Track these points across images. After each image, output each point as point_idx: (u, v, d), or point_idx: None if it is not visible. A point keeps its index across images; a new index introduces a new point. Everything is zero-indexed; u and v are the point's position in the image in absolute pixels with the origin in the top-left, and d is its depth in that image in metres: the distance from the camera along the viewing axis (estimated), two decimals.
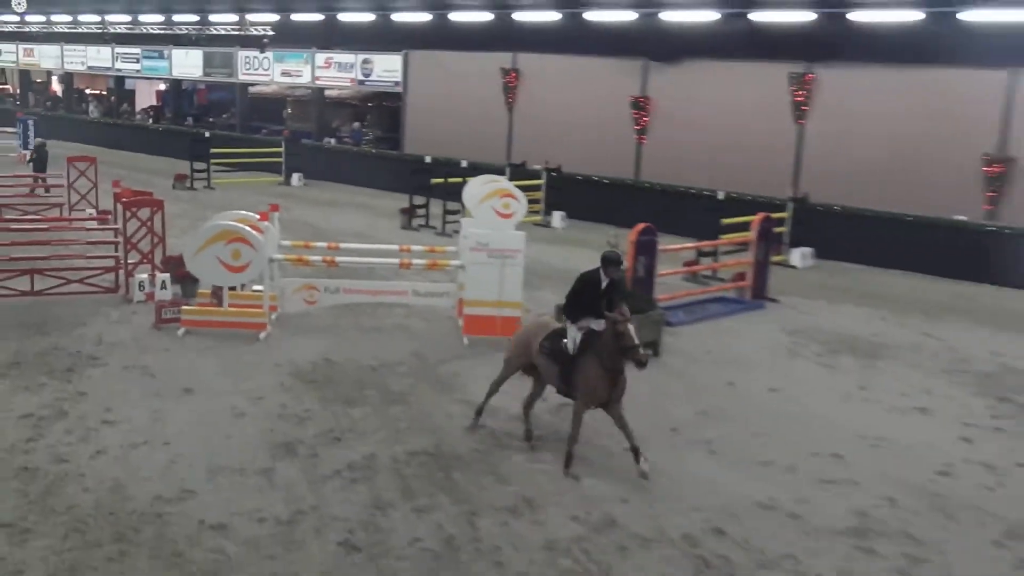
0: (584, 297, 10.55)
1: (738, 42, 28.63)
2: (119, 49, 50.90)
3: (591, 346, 10.33)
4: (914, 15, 25.34)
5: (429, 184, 26.67)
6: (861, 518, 9.59)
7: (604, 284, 10.51)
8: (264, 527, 8.91)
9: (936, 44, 25.43)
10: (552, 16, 33.10)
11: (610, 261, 10.57)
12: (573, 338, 10.51)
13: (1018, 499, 10.27)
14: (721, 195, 24.77)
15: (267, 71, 43.92)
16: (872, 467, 10.85)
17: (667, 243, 18.64)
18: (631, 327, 10.04)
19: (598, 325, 10.34)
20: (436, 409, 12.07)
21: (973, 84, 25.43)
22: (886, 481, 10.48)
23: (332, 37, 41.40)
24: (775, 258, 21.13)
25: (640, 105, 31.80)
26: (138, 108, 54.03)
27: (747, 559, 8.69)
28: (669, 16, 30.03)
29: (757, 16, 28.20)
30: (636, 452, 10.21)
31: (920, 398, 13.54)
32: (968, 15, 24.52)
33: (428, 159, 30.67)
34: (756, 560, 8.67)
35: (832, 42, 27.16)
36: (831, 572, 8.53)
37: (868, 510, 9.75)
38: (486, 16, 34.99)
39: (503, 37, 34.68)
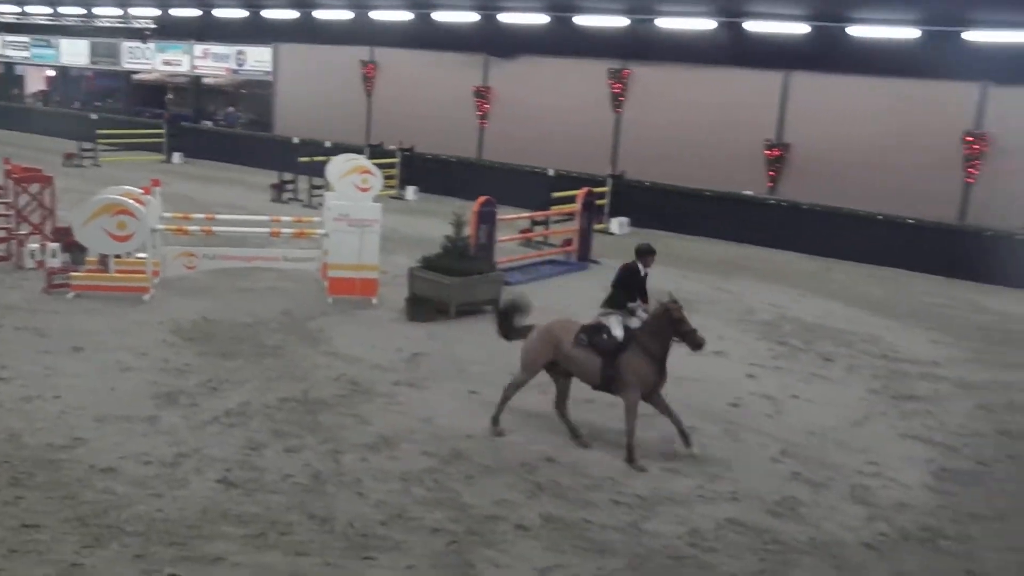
0: (628, 287, 9.95)
1: (566, 41, 28.79)
2: (9, 37, 47.84)
3: (635, 336, 9.52)
4: (708, 23, 25.91)
5: (296, 162, 26.03)
6: (667, 444, 9.82)
7: (643, 274, 10.04)
8: (150, 468, 8.58)
9: (725, 48, 26.12)
10: (405, 15, 32.61)
11: (647, 252, 10.09)
12: (614, 326, 9.65)
13: (792, 424, 10.72)
14: (551, 172, 24.94)
15: (149, 60, 42.00)
16: (679, 401, 11.00)
17: (505, 213, 18.66)
18: (685, 312, 9.45)
19: (640, 314, 9.74)
20: (304, 360, 11.82)
21: (756, 82, 26.22)
22: (690, 412, 10.72)
23: (209, 30, 39.90)
24: (597, 226, 21.39)
25: (482, 94, 31.68)
26: (28, 92, 50.94)
27: (575, 482, 8.81)
28: (506, 17, 29.93)
29: (580, 20, 28.37)
30: (686, 436, 9.56)
31: (716, 343, 13.87)
32: (751, 25, 25.22)
33: (296, 140, 29.87)
34: (583, 483, 8.80)
35: (644, 43, 27.58)
36: (645, 490, 8.73)
37: (674, 437, 9.99)
38: (347, 14, 34.24)
39: (362, 33, 34.01)
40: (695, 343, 9.39)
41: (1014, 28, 21.90)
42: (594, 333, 9.66)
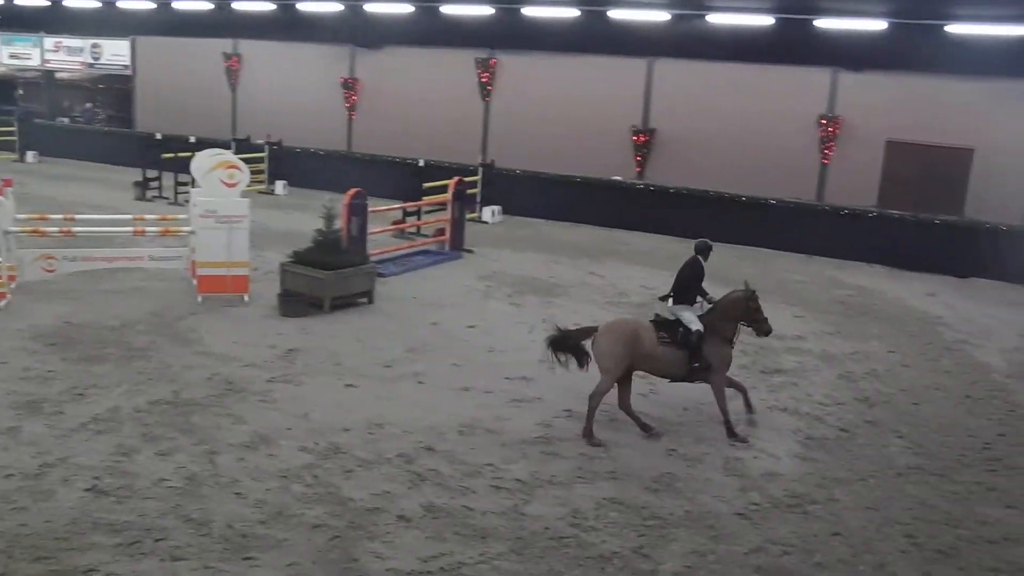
0: (698, 282, 10.42)
1: (432, 31, 28.67)
2: None
3: (711, 325, 10.13)
4: (572, 12, 26.21)
5: (160, 158, 25.17)
6: (546, 428, 9.95)
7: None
8: (11, 482, 8.18)
9: (590, 36, 26.47)
10: (269, 6, 31.88)
11: (706, 248, 10.60)
12: (692, 320, 10.13)
13: (665, 403, 10.96)
14: (422, 162, 24.85)
15: None
16: (554, 386, 11.25)
17: (377, 205, 18.52)
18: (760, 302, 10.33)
19: (700, 308, 10.28)
20: (175, 361, 11.48)
21: (622, 69, 26.71)
22: (565, 396, 10.90)
23: (60, 22, 38.11)
24: (469, 215, 21.44)
25: (349, 86, 31.31)
26: None
27: (454, 470, 8.82)
28: (371, 7, 29.62)
29: (447, 9, 28.30)
30: (750, 404, 10.55)
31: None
32: (615, 13, 25.63)
33: (159, 136, 28.90)
34: (461, 471, 8.83)
35: (511, 32, 27.70)
36: (525, 474, 8.81)
37: (552, 421, 10.13)
38: (208, 5, 33.22)
39: (225, 25, 33.07)
40: (764, 331, 10.35)
41: (862, 16, 22.89)
42: (673, 330, 10.15)
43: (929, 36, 22.26)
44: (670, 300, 10.57)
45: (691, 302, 10.39)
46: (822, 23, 23.39)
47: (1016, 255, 19.58)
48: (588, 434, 9.74)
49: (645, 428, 10.00)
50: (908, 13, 22.32)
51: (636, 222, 23.27)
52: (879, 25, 22.70)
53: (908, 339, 14.68)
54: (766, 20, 24.03)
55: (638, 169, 26.56)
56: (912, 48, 22.68)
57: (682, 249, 21.35)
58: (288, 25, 31.57)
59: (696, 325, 10.12)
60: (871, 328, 15.21)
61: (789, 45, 24.02)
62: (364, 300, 14.67)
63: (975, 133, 22.90)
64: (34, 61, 38.88)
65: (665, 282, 17.51)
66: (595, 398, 9.85)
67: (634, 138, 26.59)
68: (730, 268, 19.51)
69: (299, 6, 31.15)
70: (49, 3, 37.45)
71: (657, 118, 26.46)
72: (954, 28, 22.02)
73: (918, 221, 20.77)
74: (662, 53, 25.99)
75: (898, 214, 21.19)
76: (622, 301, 15.93)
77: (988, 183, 22.78)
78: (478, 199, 23.67)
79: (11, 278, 14.10)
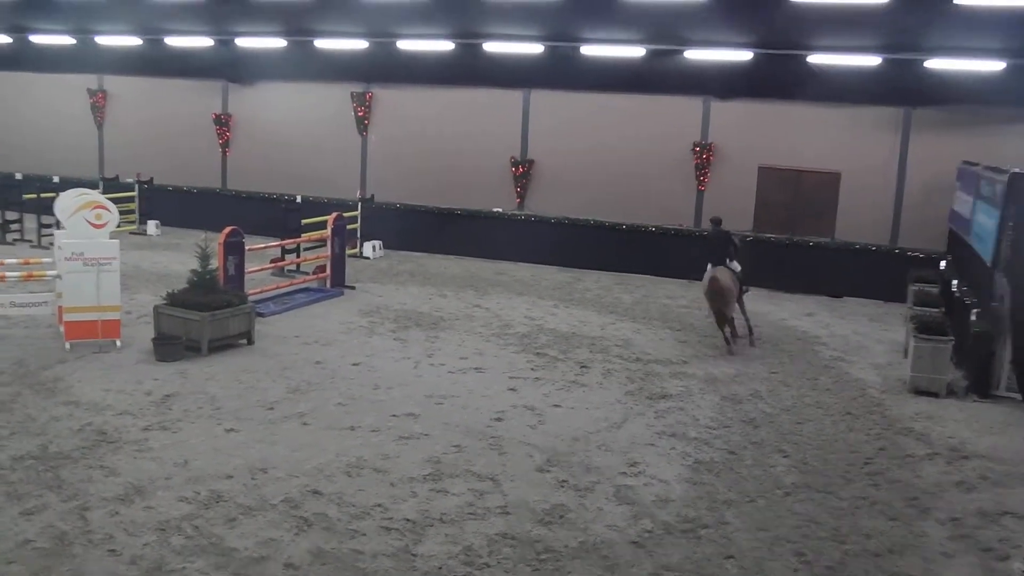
0: (729, 245, 15.95)
1: (307, 65, 28.30)
2: None
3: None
4: (446, 45, 26.33)
5: (21, 199, 24.11)
6: (435, 465, 9.81)
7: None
8: None
9: (466, 69, 26.61)
10: (135, 41, 30.96)
11: (719, 220, 16.26)
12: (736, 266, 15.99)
13: (555, 432, 10.97)
14: (299, 199, 24.49)
15: None
16: (442, 421, 11.14)
17: (254, 243, 18.13)
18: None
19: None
20: (41, 413, 10.89)
21: (498, 101, 26.92)
22: (453, 431, 10.80)
23: None
24: (350, 251, 21.21)
25: (223, 122, 30.63)
26: None
27: (342, 513, 8.59)
28: (243, 42, 29.11)
29: (320, 43, 28.03)
30: (751, 332, 16.13)
31: (475, 359, 14.12)
32: (489, 46, 25.86)
33: (19, 176, 27.71)
34: (350, 513, 8.60)
35: (386, 66, 27.59)
36: (414, 513, 8.64)
37: (440, 457, 10.00)
38: (68, 40, 32.06)
39: (88, 60, 31.90)
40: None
41: (729, 47, 23.66)
42: (738, 280, 15.73)
43: (791, 66, 23.16)
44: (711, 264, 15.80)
45: (730, 258, 15.89)
46: (691, 54, 24.08)
47: (884, 274, 20.45)
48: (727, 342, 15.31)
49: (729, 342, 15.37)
50: (771, 44, 23.18)
51: (519, 253, 23.42)
52: (745, 56, 23.51)
53: (788, 359, 15.10)
54: (638, 51, 24.61)
55: (518, 200, 26.75)
56: (777, 77, 23.54)
57: (566, 278, 21.85)
58: (156, 60, 30.66)
59: (739, 267, 15.98)
60: (753, 350, 15.60)
61: (661, 75, 24.64)
62: (243, 341, 14.27)
63: (841, 158, 23.88)
64: None
65: (549, 312, 17.84)
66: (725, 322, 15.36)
67: (513, 169, 26.78)
68: (609, 296, 19.80)
69: (168, 40, 30.37)
70: None
71: (535, 149, 26.74)
72: (815, 58, 22.97)
73: (792, 244, 21.49)
74: (537, 84, 26.31)
75: (773, 237, 21.88)
76: (507, 332, 15.94)
77: (855, 205, 23.76)
78: (358, 234, 23.43)
79: None
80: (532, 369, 13.72)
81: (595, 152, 25.93)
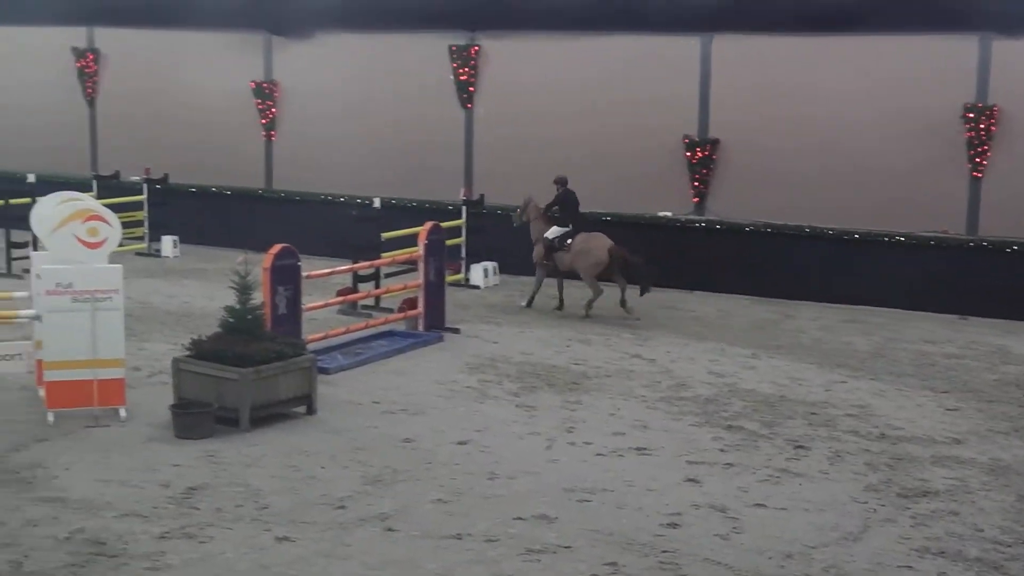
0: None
1: (384, 8, 28.84)
2: None
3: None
4: None
5: None
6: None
7: None
8: None
9: (613, 6, 26.63)
10: None
11: (565, 180, 22.20)
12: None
13: (757, 547, 10.79)
14: (377, 202, 24.85)
15: None
16: (588, 527, 11.08)
17: (313, 267, 18.49)
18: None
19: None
20: (11, 515, 11.24)
21: (665, 54, 26.76)
22: (606, 542, 10.73)
23: None
24: (451, 277, 21.44)
25: (265, 92, 31.43)
26: None
27: None
28: None
29: None
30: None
31: (636, 435, 14.05)
32: None
33: None
34: None
35: (499, 5, 27.87)
36: None
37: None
38: None
39: (73, 7, 33.20)
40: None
41: None
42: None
43: None
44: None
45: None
46: None
47: None
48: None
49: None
50: None
51: (695, 277, 23.27)
52: None
53: None
54: None
55: (695, 199, 26.62)
56: None
57: (768, 314, 21.57)
58: (169, 4, 31.73)
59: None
60: None
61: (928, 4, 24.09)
62: (301, 409, 14.53)
63: None
64: None
65: (744, 365, 17.65)
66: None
67: (687, 154, 26.67)
68: (836, 338, 19.49)
69: None
70: None
71: (720, 124, 26.51)
72: None
73: None
74: (724, 25, 26.11)
75: None
76: (681, 395, 15.85)
77: None
78: (463, 253, 23.65)
79: None
80: (721, 451, 13.58)
81: (809, 126, 25.58)
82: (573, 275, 21.73)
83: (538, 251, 21.72)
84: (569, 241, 21.25)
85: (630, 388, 16.21)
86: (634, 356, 18.07)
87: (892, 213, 23.96)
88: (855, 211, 24.09)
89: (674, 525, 11.26)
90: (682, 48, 26.69)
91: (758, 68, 26.13)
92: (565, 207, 21.80)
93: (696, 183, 26.67)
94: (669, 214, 24.89)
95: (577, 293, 21.71)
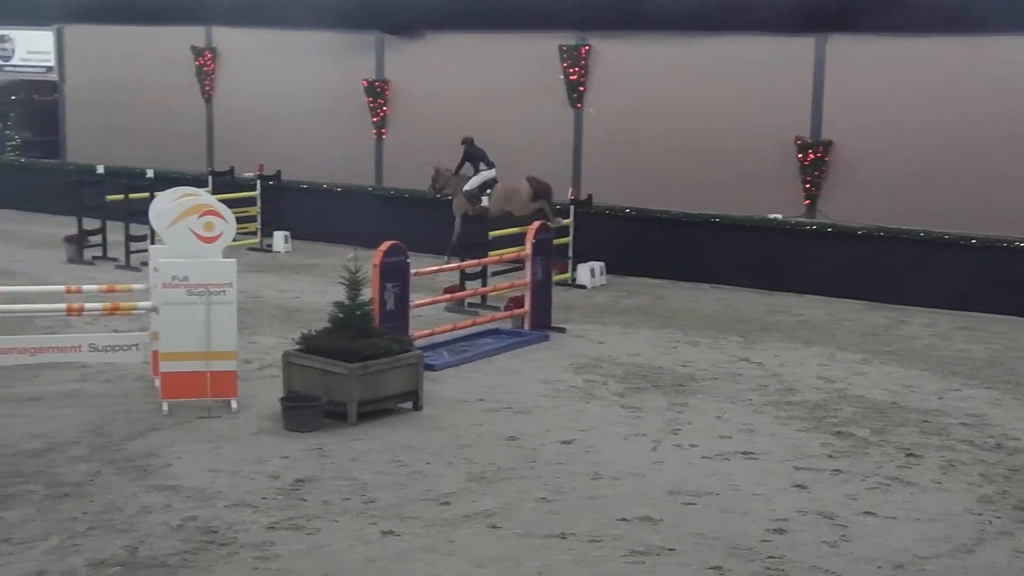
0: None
1: (495, 9, 28.97)
2: None
3: None
4: None
5: (103, 202, 25.76)
6: None
7: None
8: None
9: (723, 7, 26.48)
10: None
11: (471, 139, 24.80)
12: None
13: (866, 556, 10.67)
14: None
15: None
16: (693, 530, 11.04)
17: (421, 264, 18.64)
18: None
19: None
20: (128, 502, 11.51)
21: (776, 55, 26.57)
22: (711, 546, 10.68)
23: None
24: (557, 277, 21.46)
25: (377, 91, 31.73)
26: None
27: None
28: None
29: None
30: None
31: (742, 439, 13.96)
32: None
33: (100, 169, 29.61)
34: None
35: (610, 6, 27.87)
36: None
37: None
38: None
39: (192, 7, 33.86)
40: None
41: None
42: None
43: None
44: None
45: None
46: None
47: None
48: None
49: None
50: None
51: (806, 281, 23.06)
52: None
53: None
54: None
55: (807, 202, 26.38)
56: None
57: (879, 319, 21.33)
58: (283, 5, 32.17)
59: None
60: None
61: None
62: (407, 404, 14.68)
63: None
64: None
65: (854, 370, 17.46)
66: None
67: (799, 156, 26.45)
68: (951, 345, 19.20)
69: None
70: None
71: (834, 125, 26.26)
72: None
73: None
74: (838, 26, 25.84)
75: None
76: (790, 400, 15.72)
77: None
78: (570, 253, 23.68)
79: None
80: (829, 456, 13.44)
81: (927, 129, 25.23)
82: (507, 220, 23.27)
83: (458, 202, 24.26)
84: (489, 191, 23.91)
85: (737, 391, 16.12)
86: (742, 359, 17.97)
87: (1013, 218, 23.53)
88: (972, 216, 23.70)
89: (780, 531, 11.18)
90: (795, 48, 26.50)
91: (874, 69, 25.84)
92: (474, 159, 24.73)
93: (807, 185, 26.44)
94: (779, 216, 24.68)
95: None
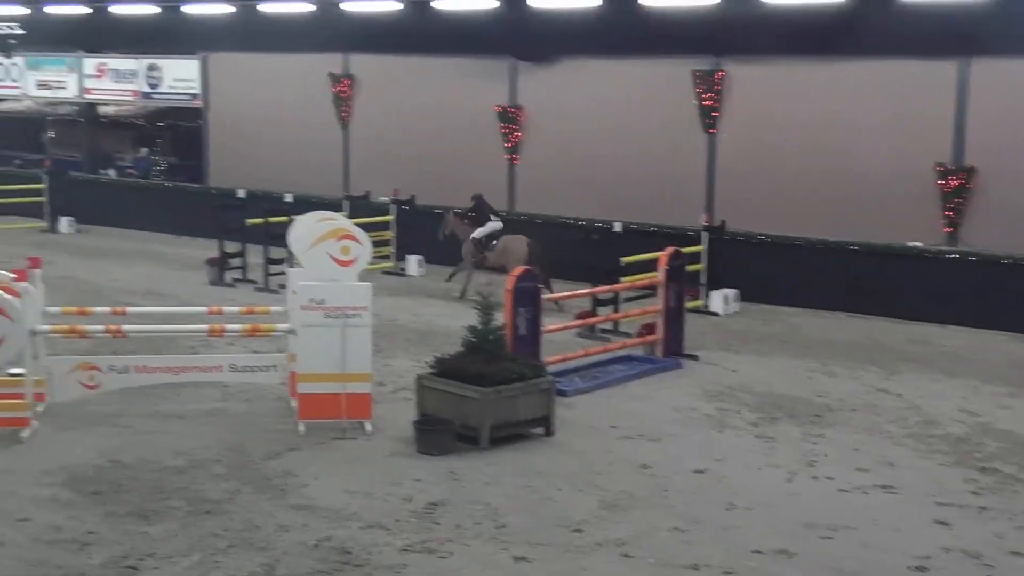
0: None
1: (628, 35, 29.01)
2: None
3: None
4: None
5: (244, 225, 26.23)
6: None
7: None
8: None
9: (860, 30, 26.18)
10: (392, 6, 33.03)
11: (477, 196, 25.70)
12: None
13: None
14: (618, 227, 24.95)
15: (17, 83, 42.61)
16: (830, 565, 10.91)
17: (554, 290, 18.64)
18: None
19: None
20: (265, 520, 11.70)
21: (916, 78, 26.23)
22: None
23: (105, 36, 40.37)
24: (690, 303, 21.33)
25: (510, 116, 31.91)
26: None
27: None
28: (539, 3, 30.23)
29: (650, 2, 28.63)
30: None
31: (882, 472, 13.73)
32: None
33: (241, 193, 30.20)
34: None
35: (745, 30, 27.73)
36: None
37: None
38: (307, 7, 34.72)
39: (330, 33, 34.43)
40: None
41: None
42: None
43: None
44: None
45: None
46: None
47: None
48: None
49: None
50: None
51: (948, 310, 22.62)
52: None
53: None
54: None
55: (948, 229, 25.93)
56: None
57: None
58: (418, 31, 32.55)
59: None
60: None
61: None
62: (539, 430, 14.68)
63: None
64: (70, 91, 41.43)
65: (1000, 403, 17.05)
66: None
67: (940, 183, 26.02)
68: None
69: (434, 4, 32.06)
70: (90, 10, 39.60)
71: (977, 150, 25.81)
72: None
73: None
74: (982, 49, 25.40)
75: None
76: (931, 433, 15.41)
77: None
78: (702, 279, 23.54)
79: (38, 397, 14.78)
80: (974, 493, 13.13)
81: None
82: (501, 271, 22.82)
83: (467, 247, 25.10)
84: (494, 242, 24.60)
85: (876, 423, 15.85)
86: (880, 390, 17.66)
87: None
88: None
89: (922, 568, 10.97)
90: (936, 72, 26.14)
91: (1019, 93, 25.34)
92: (480, 211, 25.54)
93: (948, 212, 25.99)
94: (920, 244, 24.26)
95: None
